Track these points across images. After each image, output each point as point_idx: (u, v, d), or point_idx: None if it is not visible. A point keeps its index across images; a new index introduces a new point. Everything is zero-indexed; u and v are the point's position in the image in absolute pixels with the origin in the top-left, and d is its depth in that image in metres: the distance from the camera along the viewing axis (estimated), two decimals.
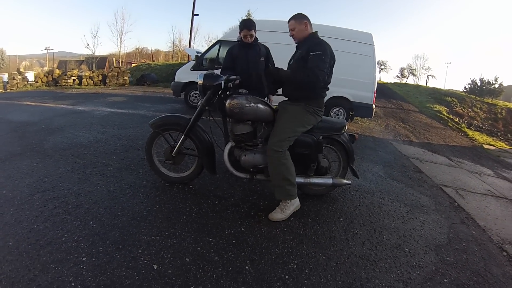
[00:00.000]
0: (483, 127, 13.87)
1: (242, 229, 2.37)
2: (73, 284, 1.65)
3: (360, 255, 2.23)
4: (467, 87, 22.14)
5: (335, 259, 2.14)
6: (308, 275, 1.94)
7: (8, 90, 11.17)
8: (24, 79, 12.31)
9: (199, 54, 7.75)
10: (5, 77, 11.94)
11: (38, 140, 4.17)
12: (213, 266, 1.91)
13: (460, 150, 7.38)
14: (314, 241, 2.33)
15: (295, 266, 2.01)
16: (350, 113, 7.31)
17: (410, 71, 57.18)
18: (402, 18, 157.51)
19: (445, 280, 2.07)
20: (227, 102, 2.61)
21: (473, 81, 21.82)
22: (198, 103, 2.71)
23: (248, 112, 2.59)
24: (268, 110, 2.67)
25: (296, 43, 2.77)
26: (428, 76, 56.03)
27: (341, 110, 7.24)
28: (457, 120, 13.14)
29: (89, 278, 1.70)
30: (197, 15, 21.24)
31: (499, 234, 2.93)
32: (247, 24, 3.30)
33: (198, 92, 7.40)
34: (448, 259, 2.34)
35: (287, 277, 1.90)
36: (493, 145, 9.42)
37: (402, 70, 58.09)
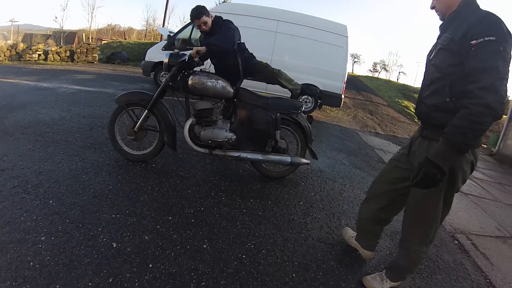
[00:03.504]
0: None
1: (202, 208, 2.43)
2: (31, 263, 1.64)
3: (317, 238, 2.35)
4: None
5: (292, 241, 2.24)
6: (265, 255, 2.03)
7: None
8: None
9: (172, 34, 7.57)
10: None
11: None
12: (172, 244, 1.96)
13: None
14: (273, 223, 2.42)
15: (253, 246, 2.10)
16: (319, 101, 7.45)
17: (383, 66, 59.01)
18: (377, 11, 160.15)
19: None
20: (189, 79, 2.72)
21: None
22: (163, 80, 2.73)
23: (209, 88, 2.73)
24: (228, 88, 2.80)
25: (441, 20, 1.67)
26: (399, 72, 58.21)
27: (309, 98, 7.31)
28: None
29: (48, 258, 1.69)
30: None
31: (452, 224, 3.17)
32: (193, 14, 3.02)
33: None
34: None
35: (244, 256, 1.98)
36: None
37: (375, 64, 60.00)
